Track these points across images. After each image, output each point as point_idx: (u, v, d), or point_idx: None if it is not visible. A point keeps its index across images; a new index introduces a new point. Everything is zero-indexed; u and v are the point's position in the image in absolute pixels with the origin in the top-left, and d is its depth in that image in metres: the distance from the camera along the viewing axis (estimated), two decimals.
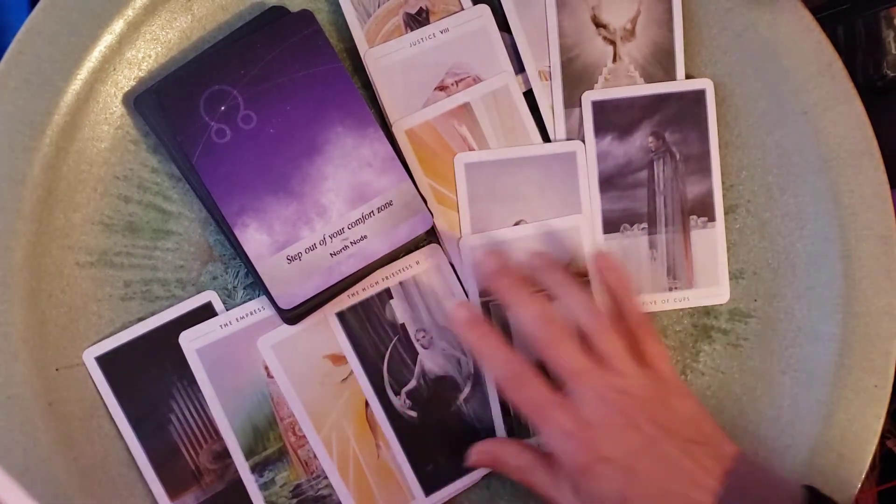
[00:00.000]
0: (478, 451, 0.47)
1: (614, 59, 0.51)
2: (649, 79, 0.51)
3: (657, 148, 0.50)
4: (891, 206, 0.50)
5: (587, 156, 0.50)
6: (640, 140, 0.50)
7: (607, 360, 0.44)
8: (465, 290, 0.49)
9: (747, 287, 0.51)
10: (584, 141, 0.50)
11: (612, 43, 0.51)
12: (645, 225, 0.51)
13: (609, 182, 0.50)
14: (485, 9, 0.50)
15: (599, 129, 0.50)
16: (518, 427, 0.49)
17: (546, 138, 0.50)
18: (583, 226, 0.50)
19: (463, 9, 0.50)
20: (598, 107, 0.50)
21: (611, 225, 0.50)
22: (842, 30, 0.57)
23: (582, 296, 0.46)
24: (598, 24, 0.51)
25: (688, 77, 0.51)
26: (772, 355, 0.51)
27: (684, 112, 0.51)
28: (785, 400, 0.50)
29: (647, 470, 0.42)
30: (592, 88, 0.50)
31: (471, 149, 0.50)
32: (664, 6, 0.51)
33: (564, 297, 0.46)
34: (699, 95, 0.51)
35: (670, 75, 0.51)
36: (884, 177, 0.51)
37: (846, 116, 0.51)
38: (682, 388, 0.46)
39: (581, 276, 0.49)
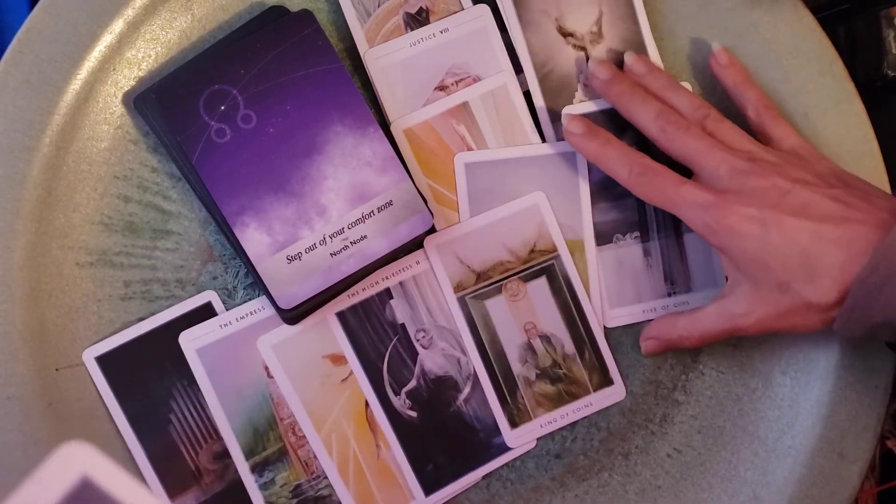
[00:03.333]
0: (648, 339, 0.49)
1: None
2: None
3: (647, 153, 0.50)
4: None
5: (585, 169, 0.50)
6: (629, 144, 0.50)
7: (730, 143, 0.46)
8: (441, 289, 0.49)
9: None
10: None
11: (583, 48, 0.51)
12: (637, 233, 0.51)
13: (598, 194, 0.50)
14: (485, 9, 0.50)
15: None
16: (518, 416, 0.49)
17: (545, 138, 0.50)
18: (542, 203, 0.50)
19: (463, 9, 0.50)
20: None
21: (603, 237, 0.50)
22: (842, 30, 0.56)
23: (692, 95, 0.48)
24: (565, 34, 0.51)
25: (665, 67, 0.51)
26: (772, 355, 0.51)
27: None
28: (785, 400, 0.50)
29: (791, 217, 0.43)
30: (573, 96, 0.50)
31: (469, 148, 0.50)
32: (624, 1, 0.51)
33: (674, 98, 0.48)
34: None
35: None
36: (884, 177, 0.51)
37: (847, 116, 0.51)
38: (816, 153, 0.47)
39: (549, 252, 0.49)
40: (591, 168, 0.50)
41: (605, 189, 0.50)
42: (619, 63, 0.50)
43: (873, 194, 0.44)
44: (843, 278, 0.42)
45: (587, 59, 0.50)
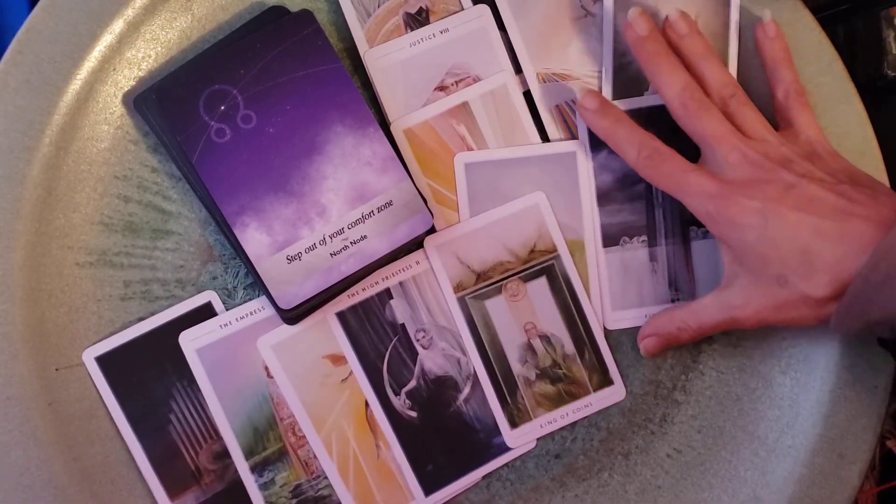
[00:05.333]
0: (645, 338, 0.49)
1: None
2: None
3: None
4: None
5: (581, 169, 0.50)
6: None
7: (748, 129, 0.46)
8: (441, 289, 0.49)
9: None
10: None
11: None
12: (644, 237, 0.51)
13: (607, 196, 0.50)
14: (485, 9, 0.50)
15: (596, 143, 0.50)
16: (518, 416, 0.49)
17: (545, 138, 0.50)
18: (542, 203, 0.50)
19: (463, 9, 0.50)
20: None
21: (610, 238, 0.50)
22: (842, 30, 0.56)
23: (723, 70, 0.47)
24: None
25: None
26: (772, 355, 0.51)
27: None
28: (785, 400, 0.50)
29: (793, 211, 0.43)
30: (642, 95, 0.50)
31: (469, 148, 0.50)
32: (721, 20, 0.50)
33: (705, 68, 0.47)
34: None
35: None
36: (884, 177, 0.51)
37: (846, 116, 0.51)
38: (832, 150, 0.47)
39: (549, 252, 0.49)
40: (601, 170, 0.50)
41: (614, 191, 0.50)
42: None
43: (881, 192, 0.44)
44: (841, 274, 0.42)
45: None
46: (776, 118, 0.48)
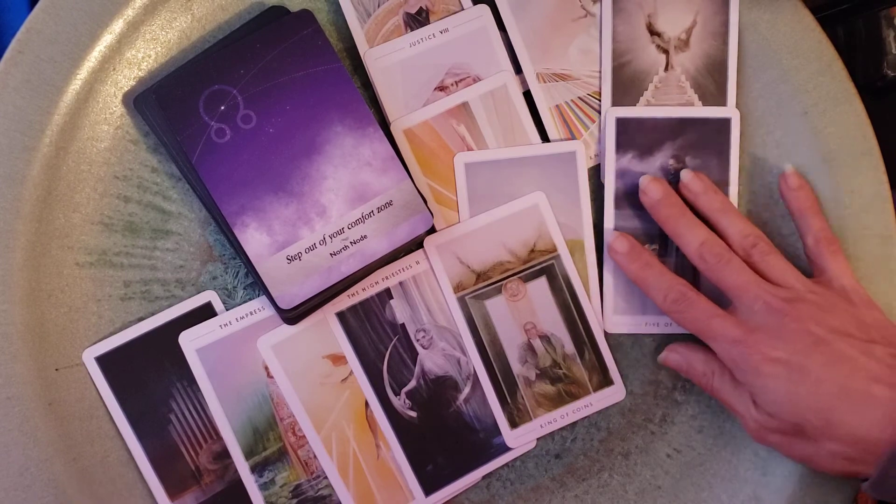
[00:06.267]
0: (672, 353, 0.49)
1: (666, 68, 0.51)
2: (700, 90, 0.50)
3: (677, 171, 0.50)
4: (891, 206, 0.50)
5: (606, 171, 0.50)
6: (661, 161, 0.50)
7: (775, 277, 0.46)
8: (441, 289, 0.49)
9: None
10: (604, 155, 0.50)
11: (666, 52, 0.50)
12: (656, 246, 0.51)
13: (624, 200, 0.50)
14: (485, 9, 0.50)
15: (621, 146, 0.50)
16: (518, 416, 0.49)
17: (545, 138, 0.50)
18: (542, 203, 0.50)
19: (463, 9, 0.50)
20: (622, 124, 0.50)
21: None
22: (842, 30, 0.57)
23: (744, 221, 0.48)
24: (653, 32, 0.50)
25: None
26: None
27: (707, 139, 0.50)
28: None
29: (819, 367, 0.42)
30: (642, 95, 0.50)
31: (469, 148, 0.50)
32: (721, 19, 0.50)
33: (724, 222, 0.48)
34: (724, 124, 0.50)
35: (721, 89, 0.50)
36: (884, 177, 0.51)
37: (846, 116, 0.51)
38: (867, 299, 0.46)
39: (549, 252, 0.49)
40: (618, 174, 0.50)
41: (631, 196, 0.50)
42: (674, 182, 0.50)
43: None
44: (863, 442, 0.42)
45: (667, 63, 0.50)
46: (809, 265, 0.48)
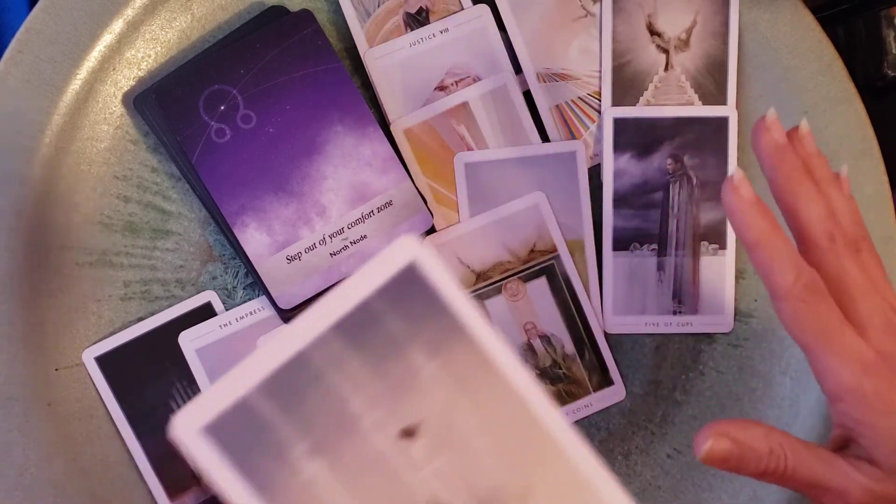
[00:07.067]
0: (718, 440, 0.36)
1: (666, 68, 0.51)
2: (700, 90, 0.50)
3: (675, 171, 0.50)
4: (891, 205, 0.50)
5: (604, 172, 0.50)
6: (659, 161, 0.50)
7: (878, 285, 0.36)
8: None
9: (747, 287, 0.51)
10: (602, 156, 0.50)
11: (666, 52, 0.50)
12: (655, 246, 0.50)
13: (623, 200, 0.50)
14: (485, 9, 0.50)
15: (618, 146, 0.50)
16: None
17: (545, 138, 0.50)
18: (542, 203, 0.50)
19: (463, 9, 0.50)
20: (620, 124, 0.50)
21: (621, 242, 0.50)
22: (842, 30, 0.56)
23: (855, 205, 0.38)
24: (653, 32, 0.50)
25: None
26: (772, 355, 0.51)
27: (705, 138, 0.50)
28: (785, 400, 0.50)
29: None
30: (642, 95, 0.50)
31: (469, 148, 0.50)
32: (721, 19, 0.50)
33: (836, 199, 0.37)
34: (721, 123, 0.50)
35: (722, 89, 0.50)
36: (884, 177, 0.51)
37: (846, 116, 0.51)
38: None
39: (549, 252, 0.49)
40: (620, 174, 0.50)
41: (632, 196, 0.50)
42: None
43: None
44: None
45: (667, 63, 0.50)
46: None
